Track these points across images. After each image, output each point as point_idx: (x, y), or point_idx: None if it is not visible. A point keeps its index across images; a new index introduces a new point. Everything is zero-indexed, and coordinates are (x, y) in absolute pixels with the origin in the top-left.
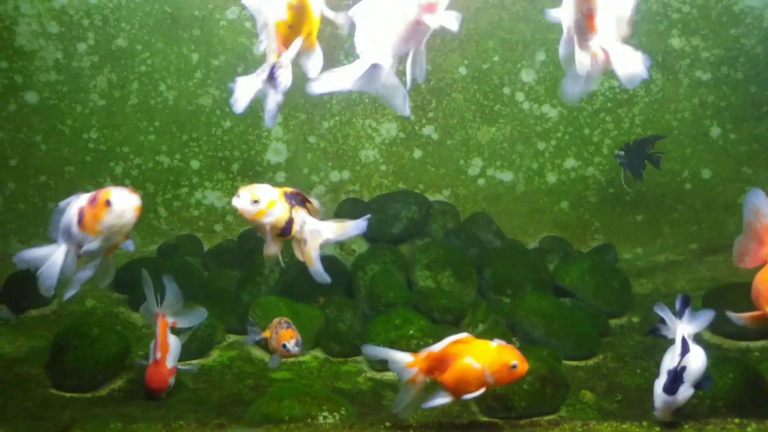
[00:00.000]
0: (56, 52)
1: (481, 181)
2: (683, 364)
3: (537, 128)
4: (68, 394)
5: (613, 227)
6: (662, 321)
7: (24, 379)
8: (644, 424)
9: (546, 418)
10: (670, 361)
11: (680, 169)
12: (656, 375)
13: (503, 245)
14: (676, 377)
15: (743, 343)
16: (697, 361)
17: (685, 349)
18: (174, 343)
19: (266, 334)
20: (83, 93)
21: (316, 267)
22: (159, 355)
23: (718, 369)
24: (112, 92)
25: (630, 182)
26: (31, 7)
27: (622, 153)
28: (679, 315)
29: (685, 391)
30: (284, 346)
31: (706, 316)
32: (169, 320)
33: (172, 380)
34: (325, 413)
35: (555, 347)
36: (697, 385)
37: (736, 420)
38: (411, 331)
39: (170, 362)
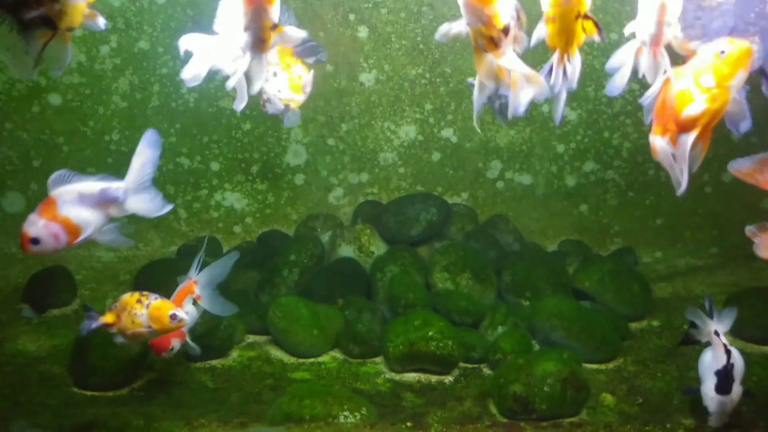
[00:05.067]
0: (79, 55)
1: (500, 184)
2: (731, 361)
3: (556, 131)
4: (90, 393)
5: (633, 231)
6: (693, 326)
7: (47, 377)
8: (668, 426)
9: (568, 420)
10: (711, 362)
11: (700, 173)
12: (698, 382)
13: (522, 248)
14: (727, 375)
15: (767, 348)
16: (739, 357)
17: (728, 346)
18: (189, 310)
19: (110, 318)
20: (105, 95)
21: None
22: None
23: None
24: (134, 94)
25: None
26: None
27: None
28: (710, 315)
29: (737, 389)
30: (173, 316)
31: (731, 314)
32: (197, 290)
33: (176, 343)
34: (346, 413)
35: (575, 350)
36: (745, 393)
37: (761, 423)
38: (430, 333)
39: None
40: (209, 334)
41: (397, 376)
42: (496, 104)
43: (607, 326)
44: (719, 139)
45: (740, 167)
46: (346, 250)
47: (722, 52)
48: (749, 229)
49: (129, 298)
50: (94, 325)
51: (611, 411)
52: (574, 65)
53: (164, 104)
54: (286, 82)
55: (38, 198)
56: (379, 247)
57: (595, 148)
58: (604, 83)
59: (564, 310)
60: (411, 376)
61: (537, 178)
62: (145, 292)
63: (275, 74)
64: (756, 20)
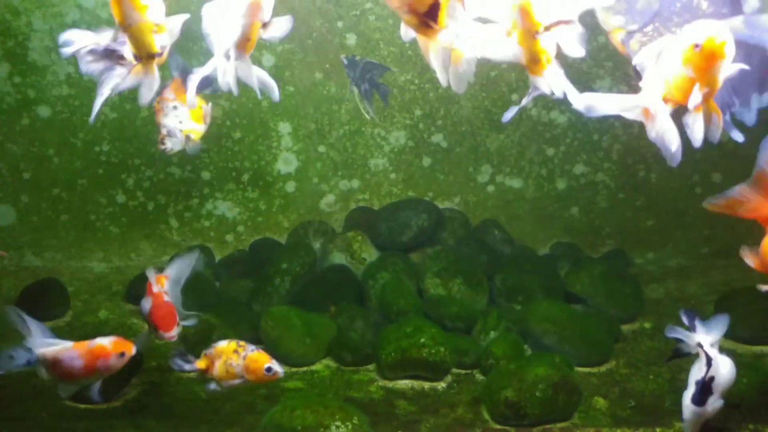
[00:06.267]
0: (68, 67)
1: (490, 188)
2: (711, 374)
3: (546, 134)
4: (83, 406)
5: (624, 232)
6: (680, 340)
7: (40, 390)
8: (657, 430)
9: (559, 425)
10: (697, 371)
11: (690, 173)
12: (685, 386)
13: (514, 252)
14: (704, 388)
15: (757, 348)
16: (725, 370)
17: (709, 359)
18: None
19: (203, 364)
20: None
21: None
22: (157, 288)
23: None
24: (124, 105)
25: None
26: (43, 23)
27: (345, 62)
28: (691, 329)
29: (714, 402)
30: (269, 369)
31: (722, 322)
32: (166, 285)
33: (176, 332)
34: (338, 423)
35: (567, 354)
36: (733, 406)
37: (750, 425)
38: (422, 339)
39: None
40: (201, 345)
41: (389, 384)
42: (362, 88)
43: (599, 329)
44: (708, 140)
45: (717, 202)
46: (338, 258)
47: (696, 45)
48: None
49: (226, 346)
50: (187, 367)
51: (603, 414)
52: (552, 76)
53: (154, 115)
54: (187, 113)
55: (29, 211)
56: (371, 254)
57: (585, 150)
58: (593, 86)
59: (556, 314)
60: (404, 383)
61: (527, 182)
62: (242, 342)
63: (175, 107)
64: (681, 11)
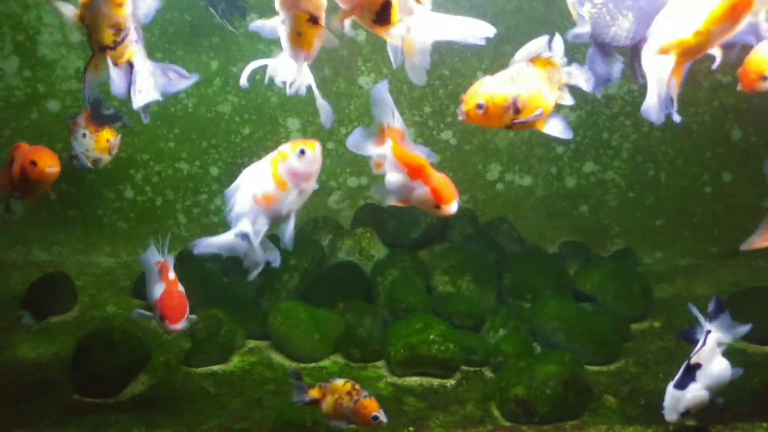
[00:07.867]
0: (77, 61)
1: (499, 186)
2: (698, 360)
3: None
4: (91, 400)
5: (633, 231)
6: (698, 322)
7: (47, 385)
8: (670, 428)
9: (570, 423)
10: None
11: (700, 173)
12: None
13: (523, 250)
14: (687, 371)
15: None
16: (717, 367)
17: (703, 344)
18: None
19: (316, 393)
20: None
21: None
22: (173, 275)
23: (743, 374)
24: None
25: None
26: (53, 17)
27: None
28: (710, 318)
29: (695, 392)
30: (375, 417)
31: (743, 329)
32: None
33: (183, 324)
34: None
35: (576, 352)
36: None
37: (765, 424)
38: (431, 336)
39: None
40: (210, 340)
41: (398, 380)
42: (219, 9)
43: (608, 328)
44: (718, 139)
45: (753, 241)
46: (347, 254)
47: None
48: None
49: (341, 385)
50: (299, 398)
51: (613, 413)
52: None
53: (163, 109)
54: (93, 145)
55: (36, 205)
56: (379, 251)
57: (595, 148)
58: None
59: (565, 312)
60: (413, 380)
61: (537, 180)
62: (357, 387)
63: (84, 135)
64: None
